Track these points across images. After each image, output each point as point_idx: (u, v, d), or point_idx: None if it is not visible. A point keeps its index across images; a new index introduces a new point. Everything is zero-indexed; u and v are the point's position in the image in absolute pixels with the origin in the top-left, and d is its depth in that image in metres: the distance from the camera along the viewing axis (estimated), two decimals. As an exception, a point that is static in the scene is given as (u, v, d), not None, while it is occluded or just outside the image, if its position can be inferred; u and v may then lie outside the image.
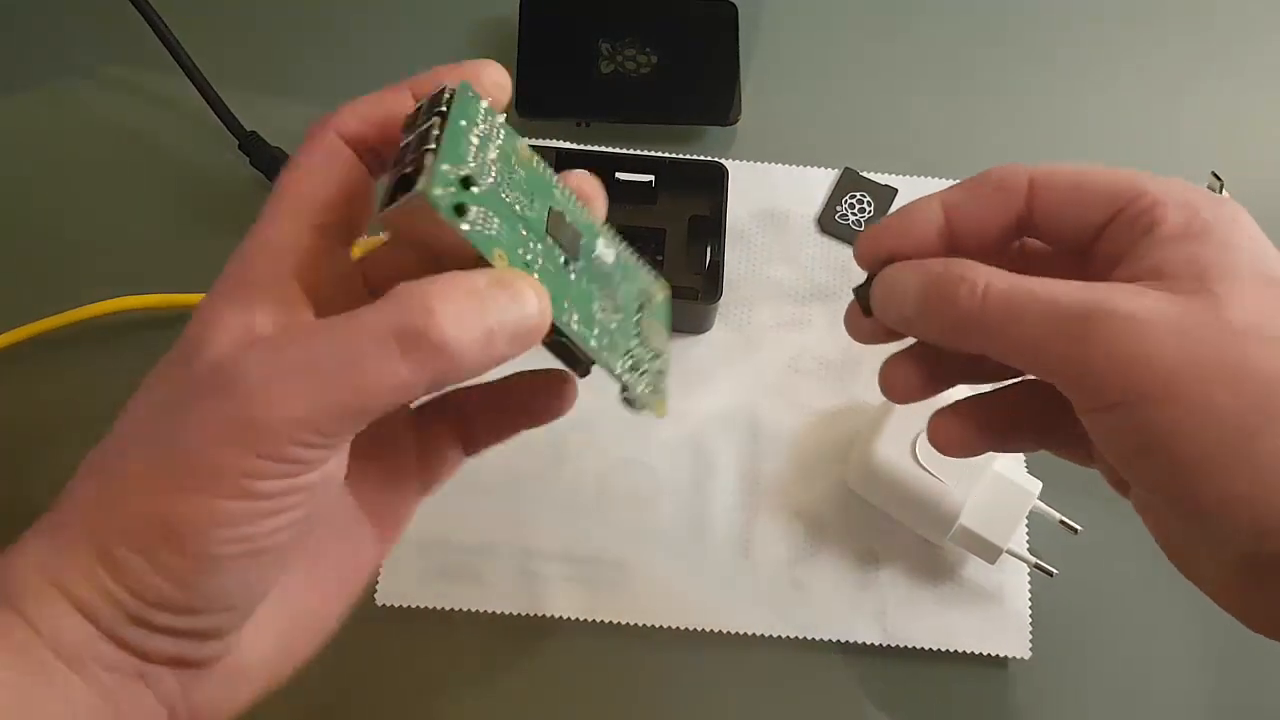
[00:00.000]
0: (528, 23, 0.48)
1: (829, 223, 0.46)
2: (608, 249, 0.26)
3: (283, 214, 0.23)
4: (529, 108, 0.47)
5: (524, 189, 0.23)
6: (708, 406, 0.42)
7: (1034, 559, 0.38)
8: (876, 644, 0.39)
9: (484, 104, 0.23)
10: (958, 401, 0.27)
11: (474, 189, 0.22)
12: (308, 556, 0.24)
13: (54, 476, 0.41)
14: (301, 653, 0.25)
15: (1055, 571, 0.38)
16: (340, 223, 0.24)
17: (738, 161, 0.46)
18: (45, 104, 0.48)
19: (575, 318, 0.24)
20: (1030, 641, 0.39)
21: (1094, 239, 0.24)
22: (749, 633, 0.39)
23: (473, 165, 0.22)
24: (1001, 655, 0.39)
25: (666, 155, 0.45)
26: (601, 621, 0.39)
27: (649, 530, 0.40)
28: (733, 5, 0.49)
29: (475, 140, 0.22)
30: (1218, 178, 0.39)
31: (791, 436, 0.42)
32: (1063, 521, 0.38)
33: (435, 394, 0.24)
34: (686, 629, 0.39)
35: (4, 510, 0.40)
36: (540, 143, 0.46)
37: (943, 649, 0.39)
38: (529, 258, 0.23)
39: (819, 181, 0.47)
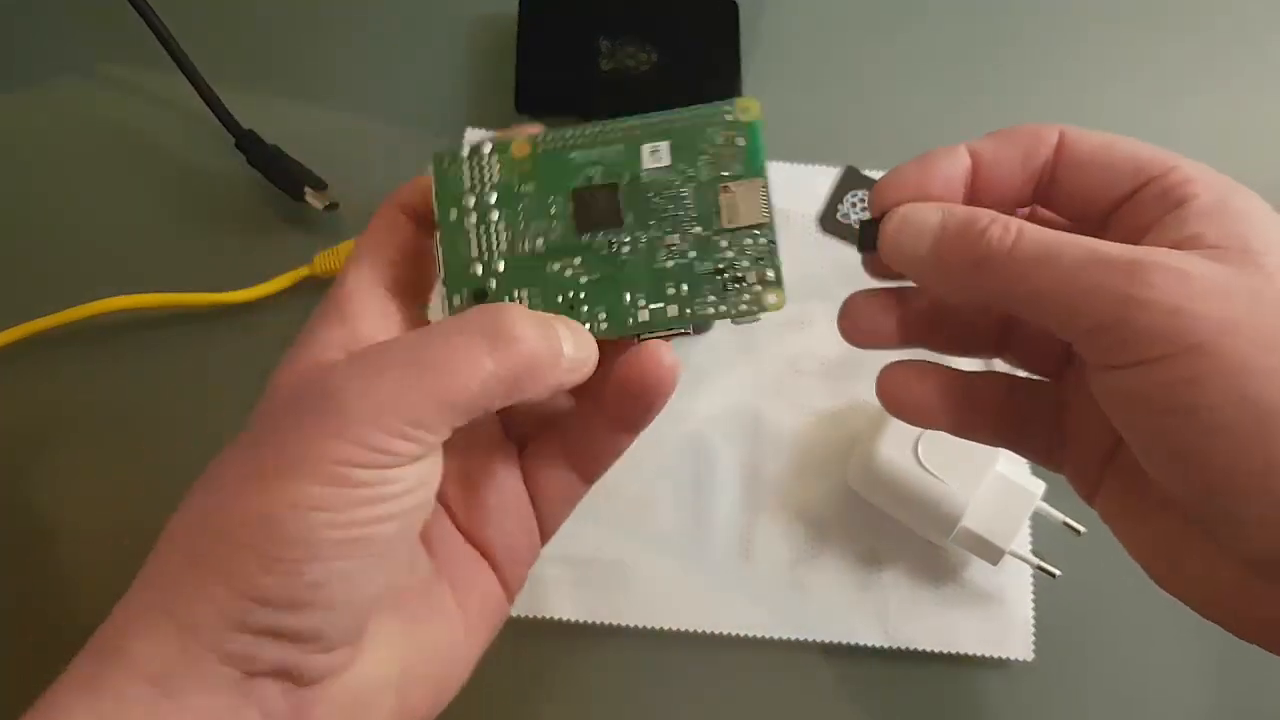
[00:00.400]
0: (527, 20, 0.48)
1: (830, 221, 0.46)
2: (654, 153, 0.24)
3: (350, 274, 0.25)
4: (529, 106, 0.46)
5: (538, 199, 0.24)
6: (708, 407, 0.42)
7: (1037, 560, 0.38)
8: (878, 645, 0.38)
9: (463, 155, 0.24)
10: (922, 361, 0.26)
11: (491, 284, 0.24)
12: (426, 589, 0.25)
13: (52, 476, 0.42)
14: (429, 697, 0.25)
15: (1058, 573, 0.38)
16: (404, 281, 0.25)
17: (738, 160, 0.46)
18: (41, 102, 0.47)
19: (641, 314, 0.23)
20: (1033, 643, 0.38)
21: (1115, 208, 0.24)
22: (749, 634, 0.38)
23: (476, 252, 0.24)
24: (1004, 657, 0.39)
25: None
26: (601, 623, 0.38)
27: (649, 531, 0.40)
28: (733, 2, 0.49)
29: (472, 218, 0.24)
30: (1222, 176, 0.39)
31: (792, 437, 0.41)
32: (1066, 523, 0.38)
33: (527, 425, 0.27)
34: (687, 630, 0.38)
35: (3, 510, 0.40)
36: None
37: (945, 651, 0.38)
38: (571, 293, 0.24)
39: (820, 180, 0.46)
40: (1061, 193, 0.24)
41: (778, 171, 0.47)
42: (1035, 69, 0.50)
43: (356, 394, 0.21)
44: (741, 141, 0.24)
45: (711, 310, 0.24)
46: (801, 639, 0.38)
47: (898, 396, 0.26)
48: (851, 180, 0.46)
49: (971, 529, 0.37)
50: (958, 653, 0.38)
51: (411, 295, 0.25)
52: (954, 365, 0.27)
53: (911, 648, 0.38)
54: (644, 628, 0.38)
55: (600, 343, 0.24)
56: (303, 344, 0.24)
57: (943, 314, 0.27)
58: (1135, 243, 0.22)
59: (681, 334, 0.24)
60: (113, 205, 0.45)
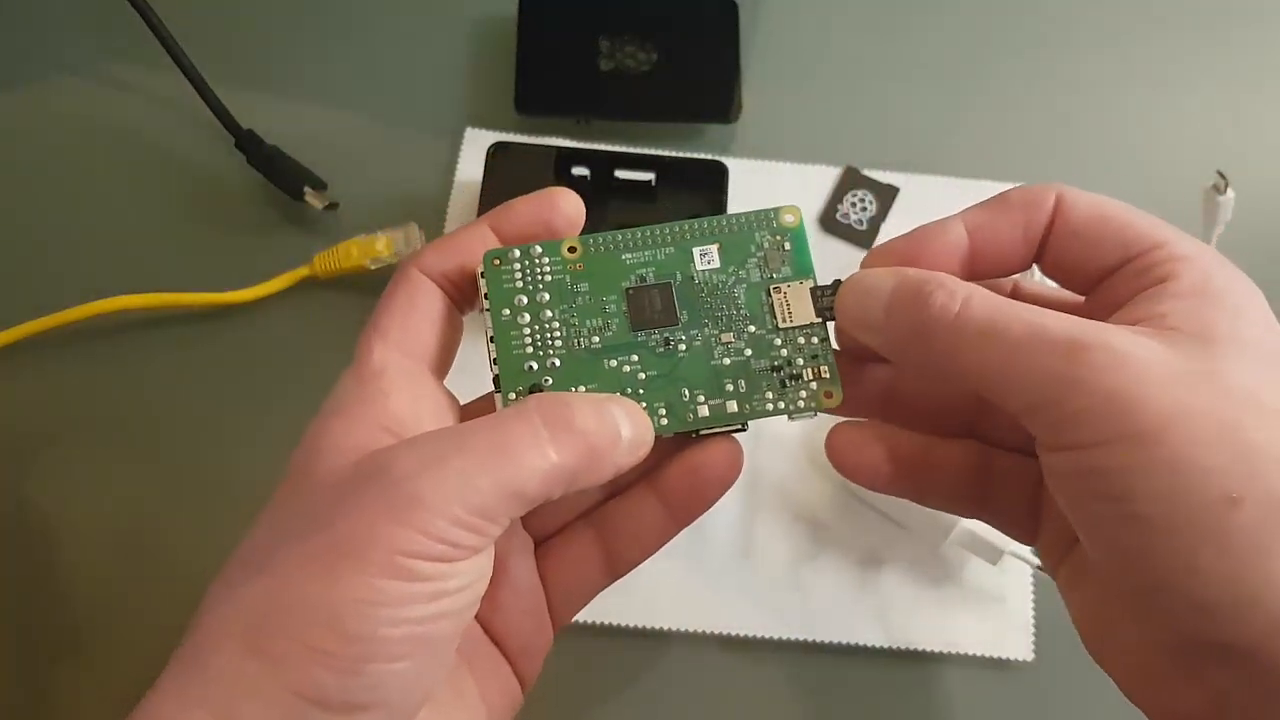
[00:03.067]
0: (527, 20, 0.48)
1: (830, 221, 0.46)
2: (704, 256, 0.25)
3: (375, 346, 0.24)
4: (528, 106, 0.46)
5: (594, 298, 0.24)
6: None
7: (1037, 560, 0.38)
8: (878, 646, 0.38)
9: (515, 256, 0.24)
10: (874, 424, 0.26)
11: (547, 381, 0.24)
12: (454, 680, 0.24)
13: (52, 476, 0.42)
14: None
15: (1058, 573, 0.38)
16: (430, 350, 0.24)
17: (738, 159, 0.46)
18: (41, 102, 0.47)
19: (701, 410, 0.24)
20: (1033, 643, 0.38)
21: (1102, 279, 0.23)
22: (749, 634, 0.38)
23: (531, 349, 0.24)
24: (1003, 657, 0.38)
25: (667, 153, 0.45)
26: (601, 624, 0.38)
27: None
28: (733, 2, 0.49)
29: (525, 316, 0.24)
30: (1222, 176, 0.39)
31: (793, 438, 0.41)
32: (1066, 523, 0.38)
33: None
34: (686, 630, 0.38)
35: (3, 510, 0.40)
36: (540, 141, 0.46)
37: (944, 651, 0.38)
38: (629, 390, 0.24)
39: (820, 180, 0.46)
40: (1052, 260, 0.24)
41: (779, 172, 0.47)
42: (1037, 68, 0.50)
43: (427, 482, 0.20)
44: (788, 246, 0.25)
45: (770, 407, 0.24)
46: (801, 639, 0.38)
47: (847, 460, 0.25)
48: (851, 180, 0.46)
49: (971, 529, 0.37)
50: (957, 653, 0.38)
51: (438, 365, 0.25)
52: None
53: (911, 648, 0.38)
54: (644, 627, 0.38)
55: (657, 438, 0.24)
56: (333, 418, 0.23)
57: (914, 403, 0.26)
58: (1108, 316, 0.22)
59: (738, 430, 0.25)
60: (113, 205, 0.45)
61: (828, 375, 0.24)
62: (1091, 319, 0.21)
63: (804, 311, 0.25)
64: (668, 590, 0.39)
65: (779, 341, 0.24)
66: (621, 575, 0.27)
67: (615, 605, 0.39)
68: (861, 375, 0.26)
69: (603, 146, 0.45)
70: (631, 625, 0.38)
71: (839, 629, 0.39)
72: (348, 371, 0.24)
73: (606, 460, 0.22)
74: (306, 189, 0.44)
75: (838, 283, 0.25)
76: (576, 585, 0.27)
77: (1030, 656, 0.38)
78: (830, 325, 0.25)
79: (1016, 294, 0.26)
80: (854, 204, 0.46)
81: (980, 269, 0.24)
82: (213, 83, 0.44)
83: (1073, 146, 0.48)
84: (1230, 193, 0.39)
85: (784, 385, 0.24)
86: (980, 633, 0.39)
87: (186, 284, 0.43)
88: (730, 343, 0.24)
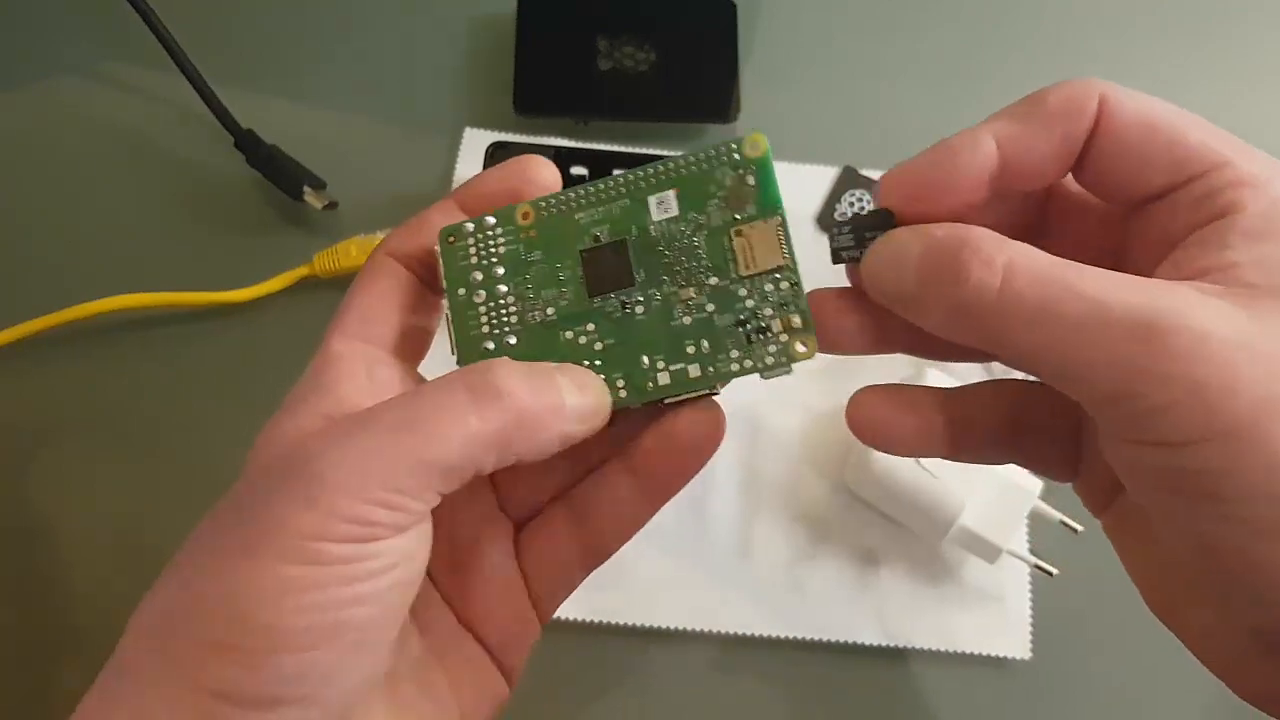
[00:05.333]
0: (525, 20, 0.48)
1: (828, 221, 0.46)
2: (660, 205, 0.22)
3: (334, 334, 0.23)
4: (527, 106, 0.46)
5: (547, 266, 0.23)
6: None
7: (1034, 559, 0.38)
8: (876, 644, 0.38)
9: (469, 230, 0.23)
10: (900, 388, 0.23)
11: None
12: (417, 673, 0.23)
13: (51, 476, 0.42)
14: None
15: (1056, 571, 0.38)
16: (400, 336, 0.23)
17: (737, 159, 0.46)
18: (39, 102, 0.47)
19: (661, 378, 0.22)
20: (1031, 642, 0.39)
21: (1151, 200, 0.20)
22: (748, 633, 0.38)
23: (487, 327, 0.23)
24: (1002, 656, 0.39)
25: (665, 153, 0.45)
26: (600, 622, 0.38)
27: (648, 531, 0.40)
28: (731, 2, 0.49)
29: (481, 294, 0.23)
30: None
31: (791, 437, 0.41)
32: (1063, 521, 0.38)
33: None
34: (686, 630, 0.38)
35: (3, 509, 0.40)
36: (539, 140, 0.46)
37: (943, 650, 0.38)
38: (586, 362, 0.22)
39: (818, 179, 0.46)
40: (1092, 176, 0.21)
41: (777, 171, 0.47)
42: (1036, 67, 0.50)
43: (330, 462, 0.19)
44: (752, 180, 0.22)
45: (736, 366, 0.22)
46: (800, 638, 0.39)
47: (878, 437, 0.23)
48: (850, 180, 0.46)
49: (969, 528, 0.37)
50: (956, 651, 0.38)
51: (407, 349, 0.23)
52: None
53: (909, 646, 0.38)
54: (643, 627, 0.39)
55: (626, 410, 0.22)
56: (284, 412, 0.22)
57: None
58: (1162, 256, 0.19)
59: (708, 394, 0.22)
60: (112, 205, 0.45)
61: (799, 324, 0.21)
62: (1145, 260, 0.19)
63: (770, 254, 0.21)
64: (667, 589, 0.39)
65: (743, 291, 0.22)
66: (600, 561, 0.25)
67: (614, 604, 0.39)
68: (846, 312, 0.23)
69: (601, 146, 0.45)
70: (630, 624, 0.38)
71: (837, 628, 0.39)
72: (309, 365, 0.23)
73: (546, 428, 0.20)
74: (306, 188, 0.44)
75: (860, 237, 0.21)
76: (555, 571, 0.25)
77: (1028, 655, 0.38)
78: (800, 265, 0.22)
79: (1054, 198, 0.23)
80: (852, 204, 0.46)
81: (1012, 184, 0.21)
82: (213, 82, 0.44)
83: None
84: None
85: (749, 340, 0.22)
86: (978, 631, 0.39)
87: (186, 283, 0.43)
88: (691, 299, 0.22)
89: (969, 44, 0.50)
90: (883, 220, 0.21)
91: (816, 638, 0.39)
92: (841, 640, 0.39)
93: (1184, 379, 0.17)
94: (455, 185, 0.45)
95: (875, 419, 0.23)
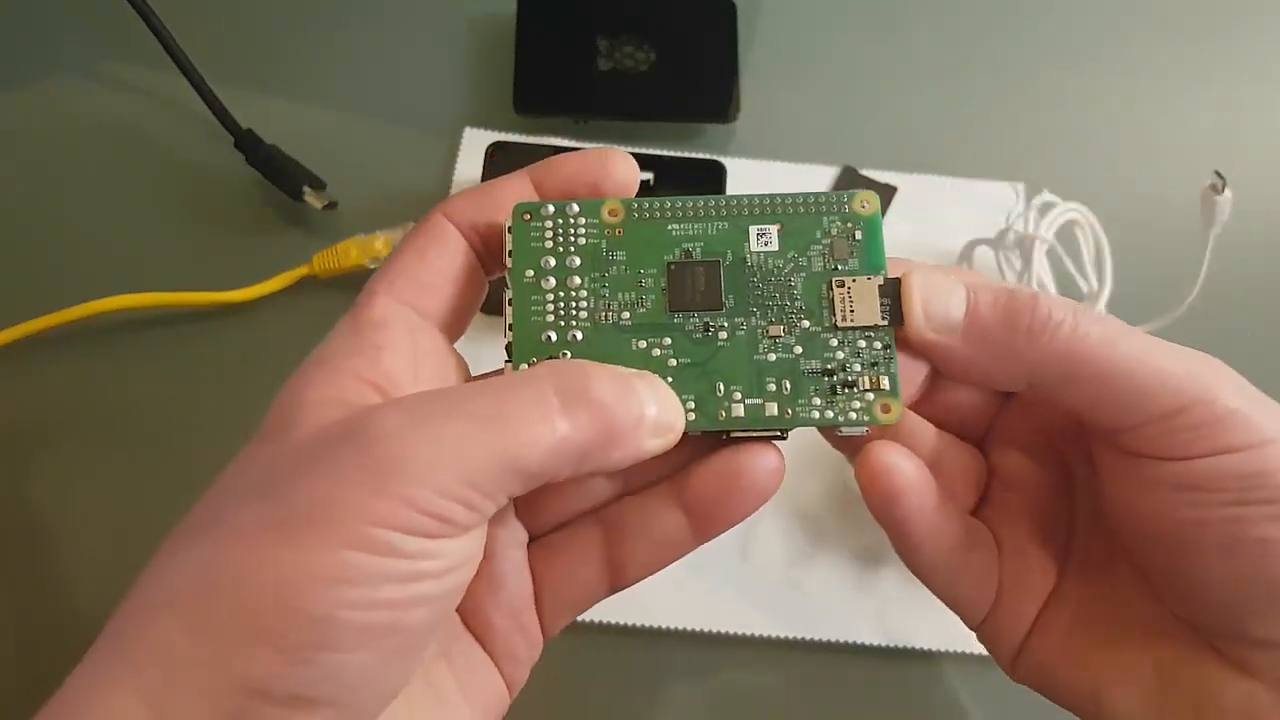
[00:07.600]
0: (525, 20, 0.48)
1: (829, 221, 0.46)
2: (761, 236, 0.22)
3: (379, 293, 0.21)
4: (527, 105, 0.46)
5: (630, 269, 0.22)
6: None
7: (1034, 559, 0.38)
8: (876, 644, 0.38)
9: (549, 212, 0.22)
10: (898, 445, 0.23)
11: (565, 355, 0.21)
12: (429, 673, 0.21)
13: (51, 476, 0.42)
14: None
15: (1056, 572, 0.38)
16: (444, 306, 0.22)
17: (736, 159, 0.46)
18: (39, 102, 0.47)
19: (735, 409, 0.21)
20: (1030, 642, 0.39)
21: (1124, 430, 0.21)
22: (748, 634, 0.38)
23: (552, 317, 0.21)
24: (1001, 656, 0.39)
25: (665, 153, 0.45)
26: (600, 622, 0.38)
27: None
28: (732, 2, 0.49)
29: (551, 281, 0.22)
30: (1220, 176, 0.39)
31: (790, 436, 0.41)
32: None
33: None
34: (686, 630, 0.38)
35: (3, 510, 0.40)
36: (539, 140, 0.46)
37: (942, 649, 0.38)
38: (655, 374, 0.21)
39: (818, 179, 0.46)
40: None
41: (777, 171, 0.47)
42: (1036, 67, 0.50)
43: (409, 445, 0.17)
44: (859, 236, 0.22)
45: (817, 415, 0.21)
46: (799, 638, 0.39)
47: (891, 497, 0.24)
48: (849, 180, 0.47)
49: (969, 528, 0.37)
50: (955, 651, 0.38)
51: (451, 324, 0.22)
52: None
53: (909, 646, 0.38)
54: (643, 627, 0.39)
55: (686, 434, 0.21)
56: (320, 367, 0.20)
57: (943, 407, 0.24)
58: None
59: (775, 437, 0.22)
60: (113, 205, 0.46)
61: (887, 386, 0.21)
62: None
63: (869, 311, 0.21)
64: (666, 589, 0.39)
65: (835, 342, 0.21)
66: (625, 586, 0.24)
67: (614, 604, 0.38)
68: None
69: (601, 146, 0.45)
70: (630, 624, 0.38)
71: (837, 628, 0.39)
72: (345, 318, 0.21)
73: (626, 441, 0.19)
74: (305, 188, 0.44)
75: (896, 282, 0.21)
76: (573, 589, 0.23)
77: (1028, 655, 0.38)
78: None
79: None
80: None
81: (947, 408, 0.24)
82: (212, 82, 0.44)
83: (1070, 146, 0.48)
84: (1228, 193, 0.39)
85: (835, 392, 0.21)
86: (978, 631, 0.39)
87: (186, 283, 0.43)
88: (779, 337, 0.21)
89: (968, 44, 0.50)
90: None
91: (816, 638, 0.39)
92: (841, 640, 0.39)
93: (1246, 389, 0.20)
94: (455, 185, 0.45)
95: (897, 482, 0.24)
